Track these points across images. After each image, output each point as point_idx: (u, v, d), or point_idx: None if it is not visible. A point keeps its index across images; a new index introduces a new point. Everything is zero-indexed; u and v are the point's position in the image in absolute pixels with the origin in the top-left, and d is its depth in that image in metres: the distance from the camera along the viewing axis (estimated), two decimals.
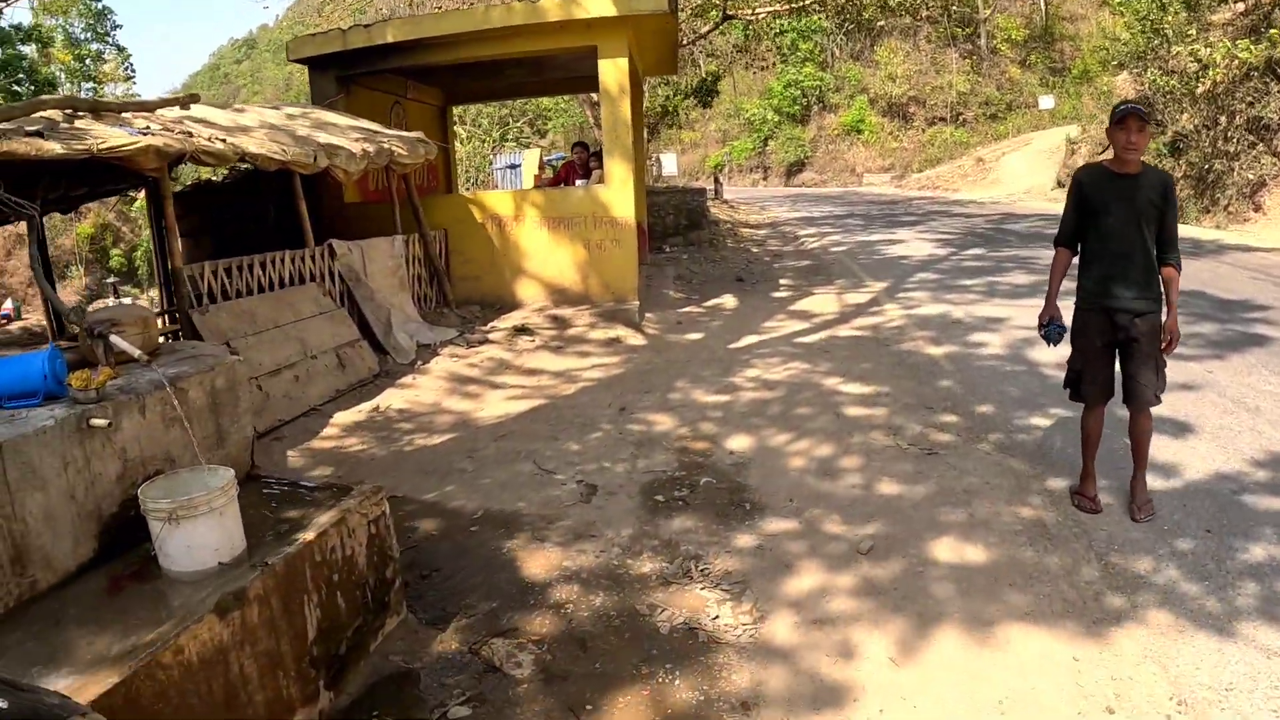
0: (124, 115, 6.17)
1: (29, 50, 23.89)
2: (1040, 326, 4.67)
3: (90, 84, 30.43)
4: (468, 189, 27.91)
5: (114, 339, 3.23)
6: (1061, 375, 4.82)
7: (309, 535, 3.17)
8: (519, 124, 37.06)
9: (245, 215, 10.83)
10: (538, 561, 4.38)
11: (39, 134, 5.02)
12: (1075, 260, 4.65)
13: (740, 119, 52.04)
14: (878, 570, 4.08)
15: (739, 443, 5.99)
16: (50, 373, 3.10)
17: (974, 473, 5.17)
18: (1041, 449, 5.57)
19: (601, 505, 5.07)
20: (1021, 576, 3.94)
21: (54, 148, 4.98)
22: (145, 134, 5.63)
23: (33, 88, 22.93)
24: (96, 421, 3.04)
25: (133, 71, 29.93)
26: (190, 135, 6.09)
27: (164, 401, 3.37)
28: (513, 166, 27.17)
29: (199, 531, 2.98)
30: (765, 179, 50.56)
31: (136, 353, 3.20)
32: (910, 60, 48.01)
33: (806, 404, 6.73)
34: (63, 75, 27.04)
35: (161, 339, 4.27)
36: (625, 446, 6.05)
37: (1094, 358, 4.52)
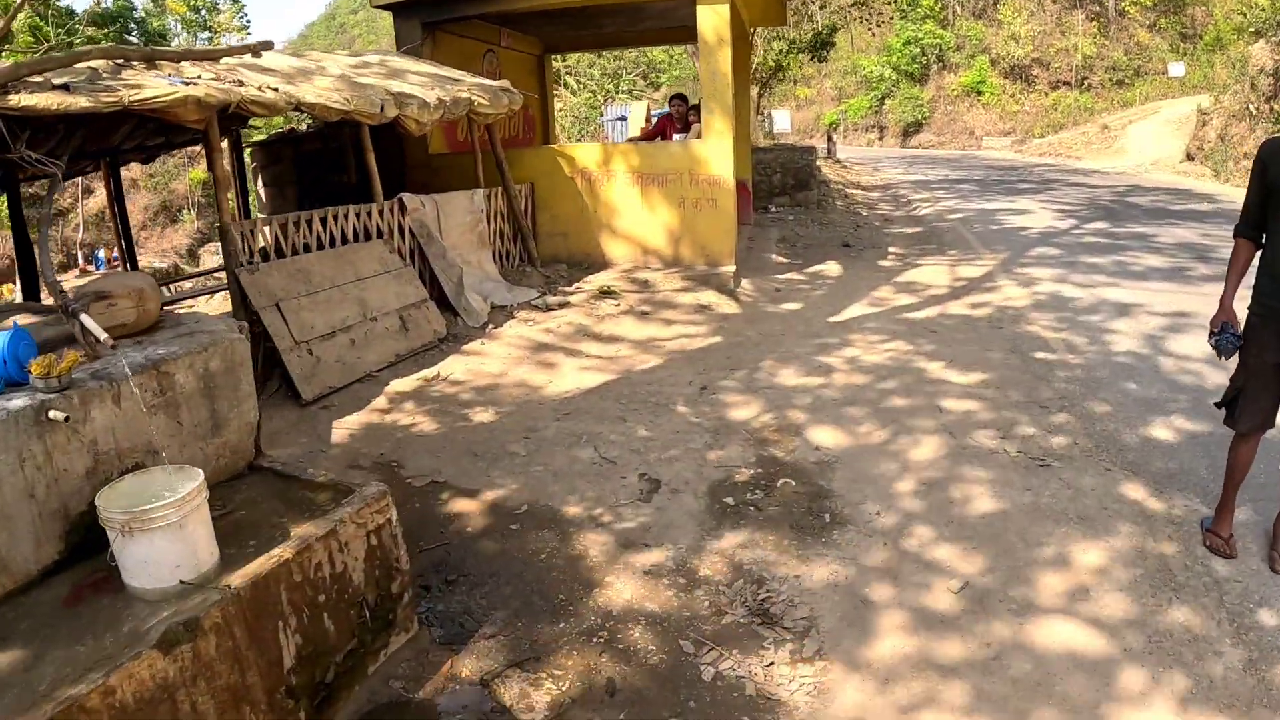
0: (181, 65, 5.89)
1: (141, 0, 24.28)
2: (1211, 334, 3.85)
3: (206, 34, 30.99)
4: (579, 141, 27.55)
5: (83, 318, 2.90)
6: (1202, 377, 4.06)
7: (286, 552, 2.80)
8: (631, 76, 36.41)
9: (330, 165, 10.65)
10: (578, 573, 3.97)
11: (65, 87, 4.76)
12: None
13: (857, 76, 50.34)
14: (970, 619, 3.51)
15: (826, 436, 5.44)
16: (9, 357, 2.78)
17: (1089, 493, 4.51)
18: (1168, 468, 4.84)
19: (662, 506, 4.62)
20: (1140, 638, 3.33)
21: (78, 101, 4.72)
22: (190, 84, 5.34)
23: (143, 38, 23.32)
24: (54, 415, 2.72)
25: (248, 21, 30.23)
26: (241, 84, 5.78)
27: (143, 388, 3.03)
28: (621, 119, 26.69)
29: (156, 546, 2.63)
30: (881, 139, 48.90)
31: (102, 335, 2.86)
32: (1034, 20, 45.47)
33: (906, 393, 6.12)
34: (179, 26, 27.43)
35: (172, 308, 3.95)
36: (699, 434, 5.57)
37: (1261, 375, 3.72)
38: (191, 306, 11.28)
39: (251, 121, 10.29)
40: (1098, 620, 3.45)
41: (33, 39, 15.63)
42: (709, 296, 9.16)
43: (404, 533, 4.42)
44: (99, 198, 28.10)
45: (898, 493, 4.63)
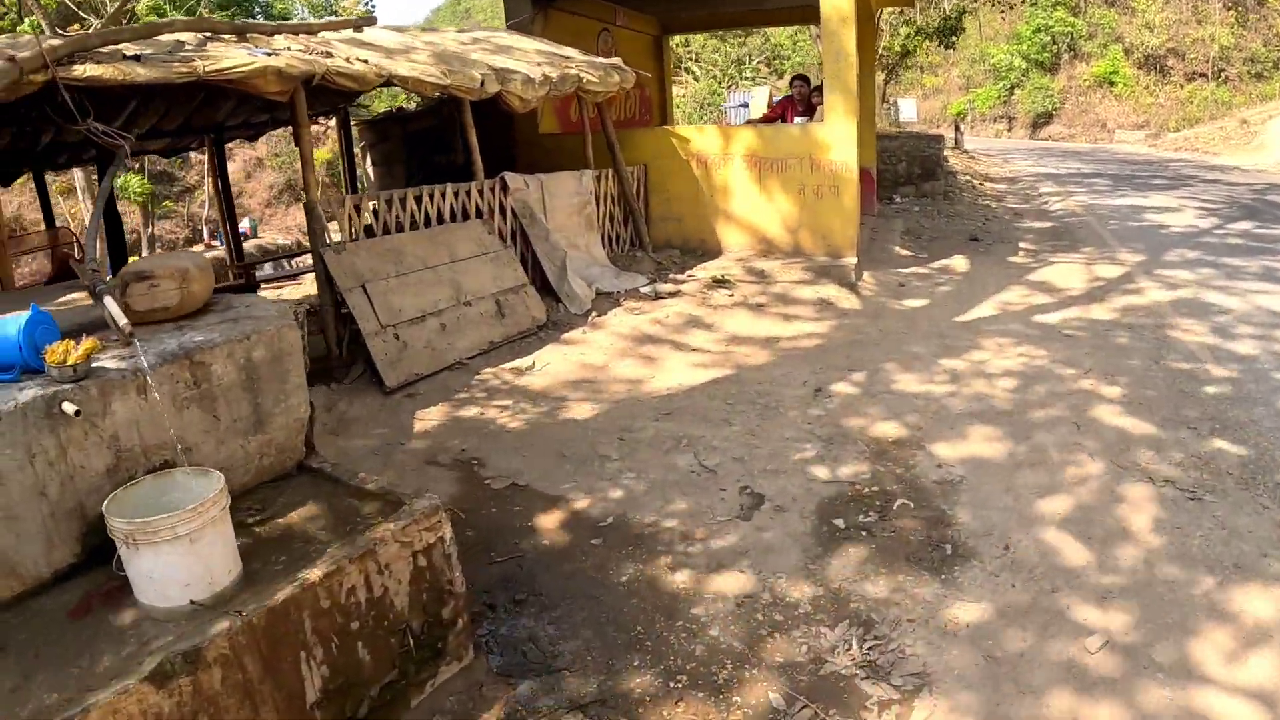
0: (274, 39, 5.74)
1: None
2: None
3: (332, 18, 31.57)
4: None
5: (106, 300, 2.65)
6: None
7: (313, 575, 2.50)
8: (755, 63, 35.87)
9: (438, 144, 10.52)
10: (661, 601, 3.59)
11: (136, 58, 4.62)
12: None
13: (985, 65, 48.42)
14: (1110, 685, 2.98)
15: (949, 450, 4.93)
16: (24, 343, 2.56)
17: (1246, 535, 3.87)
18: None
19: (763, 526, 4.19)
20: None
21: (147, 73, 4.56)
22: (273, 55, 5.16)
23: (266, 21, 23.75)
24: (66, 407, 2.48)
25: (373, 6, 30.67)
26: (329, 56, 5.58)
27: (174, 379, 2.78)
28: (743, 105, 26.24)
29: (163, 561, 2.37)
30: (1010, 130, 46.98)
31: (122, 321, 2.62)
32: (1169, 8, 42.96)
33: (1039, 405, 5.53)
34: (306, 9, 27.96)
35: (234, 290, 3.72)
36: (811, 442, 5.12)
37: None
38: (299, 284, 11.33)
39: (361, 100, 10.23)
40: (1259, 694, 2.89)
41: (156, 19, 16.04)
42: (828, 290, 8.64)
43: (475, 541, 4.16)
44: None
45: (1027, 524, 4.09)
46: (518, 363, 6.60)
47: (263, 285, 10.09)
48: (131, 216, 24.69)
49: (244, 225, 27.47)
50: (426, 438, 5.40)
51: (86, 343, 2.56)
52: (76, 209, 21.98)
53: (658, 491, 4.58)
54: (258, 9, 22.01)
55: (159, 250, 24.25)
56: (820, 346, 7.08)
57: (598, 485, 4.66)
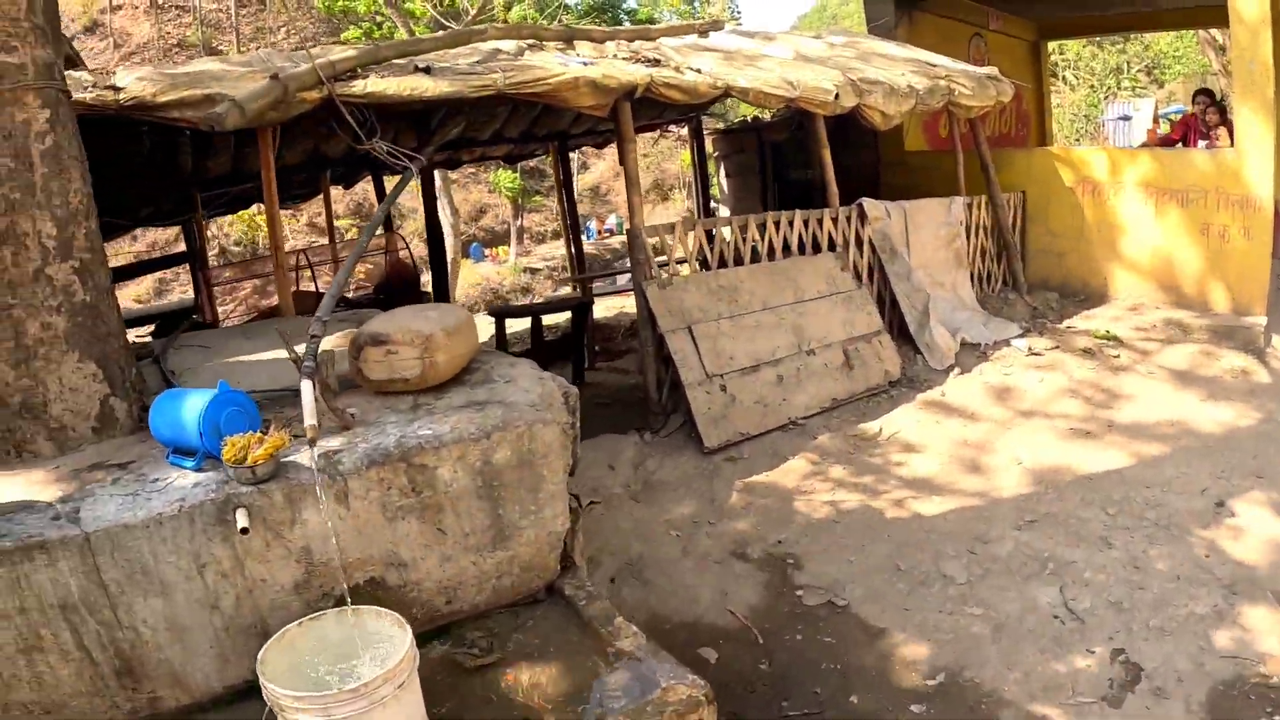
0: (605, 46, 5.35)
1: None
2: None
3: (673, 24, 31.82)
4: (1076, 143, 24.81)
5: (304, 386, 2.16)
6: None
7: None
8: (1135, 71, 32.29)
9: (795, 158, 9.88)
10: None
11: (427, 70, 4.32)
12: None
13: None
14: None
15: None
16: (206, 429, 2.14)
17: None
18: None
19: (1136, 716, 3.11)
20: None
21: (432, 86, 4.24)
22: (589, 64, 4.72)
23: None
24: (239, 519, 2.03)
25: (739, 13, 30.70)
26: (657, 64, 5.06)
27: (386, 484, 2.26)
28: (1124, 118, 23.37)
29: None
30: None
31: (310, 420, 2.10)
32: None
33: None
34: (674, 17, 28.48)
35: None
36: (1207, 588, 3.87)
37: None
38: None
39: (717, 108, 9.82)
40: None
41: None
42: (1232, 358, 6.91)
43: (769, 676, 3.42)
44: (594, 172, 30.42)
45: None
46: (863, 427, 5.74)
47: (597, 298, 9.90)
48: (502, 209, 26.33)
49: (610, 223, 28.65)
50: (740, 517, 4.71)
51: (273, 438, 2.10)
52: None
53: (1007, 639, 3.59)
54: (623, 15, 22.45)
55: (527, 242, 25.72)
56: (1222, 436, 5.57)
57: (933, 619, 3.74)
